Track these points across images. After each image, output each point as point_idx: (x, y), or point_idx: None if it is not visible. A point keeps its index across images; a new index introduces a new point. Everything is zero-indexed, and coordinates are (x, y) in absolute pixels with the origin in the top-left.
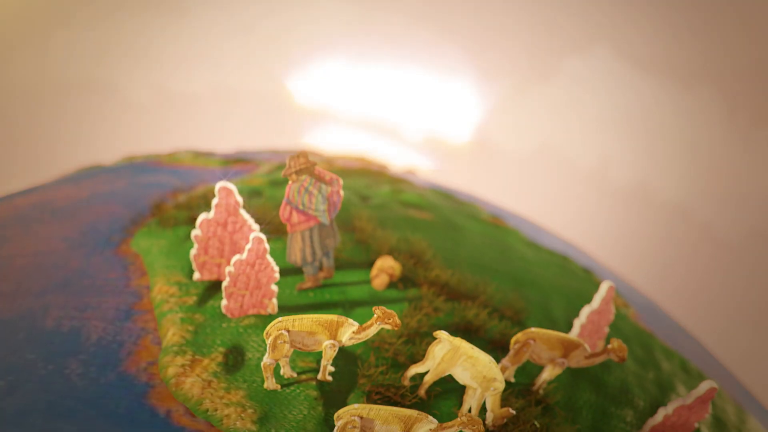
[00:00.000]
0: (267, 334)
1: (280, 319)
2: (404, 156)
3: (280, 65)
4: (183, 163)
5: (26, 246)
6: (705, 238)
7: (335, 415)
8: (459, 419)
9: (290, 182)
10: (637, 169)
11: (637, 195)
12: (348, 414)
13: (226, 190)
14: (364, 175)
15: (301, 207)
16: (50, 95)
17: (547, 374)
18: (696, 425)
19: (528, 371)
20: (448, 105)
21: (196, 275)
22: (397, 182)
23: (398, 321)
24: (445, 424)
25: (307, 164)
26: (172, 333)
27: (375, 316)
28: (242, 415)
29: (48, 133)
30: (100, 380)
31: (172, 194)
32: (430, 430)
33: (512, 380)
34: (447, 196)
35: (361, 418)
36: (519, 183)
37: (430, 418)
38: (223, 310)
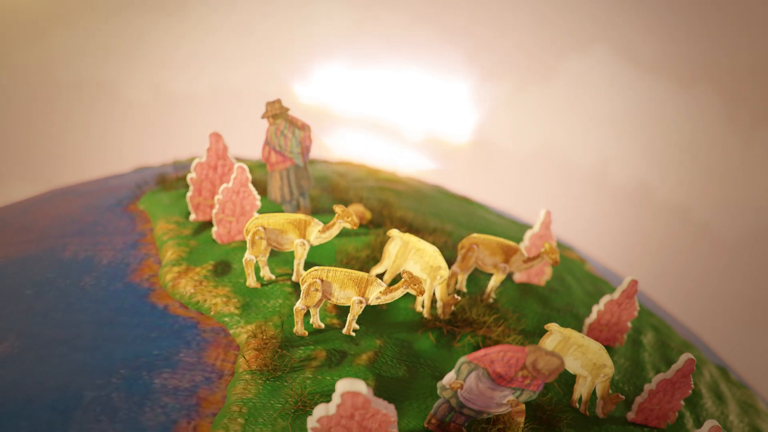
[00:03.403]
0: (246, 230)
1: (256, 216)
2: (404, 156)
3: (281, 66)
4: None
5: (48, 212)
6: (704, 238)
7: (300, 279)
8: (402, 280)
9: (268, 125)
10: (637, 169)
11: (637, 195)
12: (311, 276)
13: (216, 135)
14: (343, 165)
15: (278, 148)
16: (51, 96)
17: (493, 281)
18: (629, 324)
19: (480, 286)
20: (448, 105)
21: (192, 216)
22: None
23: (356, 220)
24: (392, 287)
25: (281, 109)
26: (170, 253)
27: (336, 215)
28: (227, 303)
29: (49, 134)
30: (109, 288)
31: (174, 174)
32: (380, 292)
33: (464, 290)
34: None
35: (322, 281)
36: (519, 183)
37: (380, 281)
38: (214, 236)
